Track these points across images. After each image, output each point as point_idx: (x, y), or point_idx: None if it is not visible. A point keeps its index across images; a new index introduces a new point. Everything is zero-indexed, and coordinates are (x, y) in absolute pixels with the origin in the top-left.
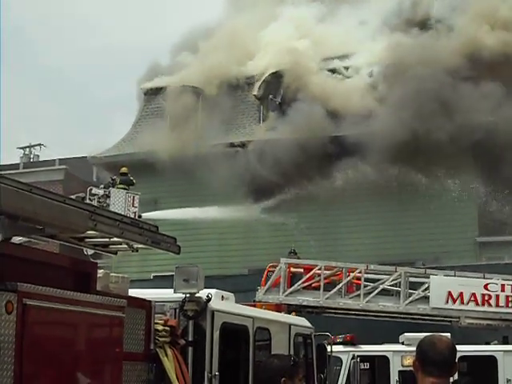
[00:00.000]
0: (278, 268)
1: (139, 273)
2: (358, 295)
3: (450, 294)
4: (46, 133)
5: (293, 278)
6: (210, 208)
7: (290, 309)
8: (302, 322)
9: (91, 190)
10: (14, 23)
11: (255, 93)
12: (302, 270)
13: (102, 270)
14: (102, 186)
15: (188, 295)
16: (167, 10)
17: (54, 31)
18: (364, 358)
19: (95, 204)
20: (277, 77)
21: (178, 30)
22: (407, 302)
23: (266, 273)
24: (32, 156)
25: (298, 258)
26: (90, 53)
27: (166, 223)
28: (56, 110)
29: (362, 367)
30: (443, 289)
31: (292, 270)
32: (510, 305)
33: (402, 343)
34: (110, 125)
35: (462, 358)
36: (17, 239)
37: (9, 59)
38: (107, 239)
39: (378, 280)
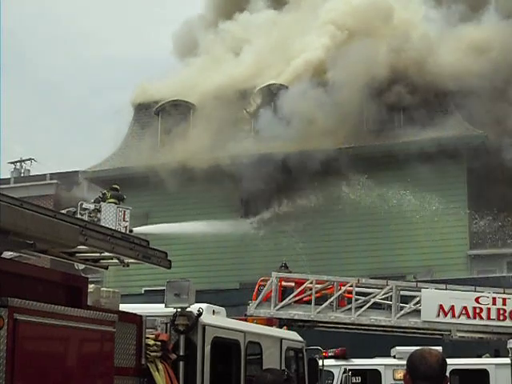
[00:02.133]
0: (269, 282)
1: (130, 287)
2: (350, 309)
3: (441, 307)
4: (37, 147)
5: (284, 292)
6: (201, 222)
7: (281, 323)
8: (294, 336)
9: (82, 204)
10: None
11: (247, 108)
12: (293, 284)
13: (92, 285)
14: (92, 200)
15: (179, 310)
16: (161, 23)
17: (43, 42)
18: (356, 372)
19: (86, 218)
20: (268, 91)
21: (170, 44)
22: (398, 315)
23: (257, 287)
24: (23, 170)
25: (290, 272)
26: (81, 65)
27: (157, 237)
28: (46, 122)
29: (354, 381)
30: (434, 302)
31: (283, 283)
32: (501, 318)
33: (394, 357)
34: (101, 138)
35: (454, 371)
36: (8, 254)
37: None
38: (98, 254)
39: (370, 294)
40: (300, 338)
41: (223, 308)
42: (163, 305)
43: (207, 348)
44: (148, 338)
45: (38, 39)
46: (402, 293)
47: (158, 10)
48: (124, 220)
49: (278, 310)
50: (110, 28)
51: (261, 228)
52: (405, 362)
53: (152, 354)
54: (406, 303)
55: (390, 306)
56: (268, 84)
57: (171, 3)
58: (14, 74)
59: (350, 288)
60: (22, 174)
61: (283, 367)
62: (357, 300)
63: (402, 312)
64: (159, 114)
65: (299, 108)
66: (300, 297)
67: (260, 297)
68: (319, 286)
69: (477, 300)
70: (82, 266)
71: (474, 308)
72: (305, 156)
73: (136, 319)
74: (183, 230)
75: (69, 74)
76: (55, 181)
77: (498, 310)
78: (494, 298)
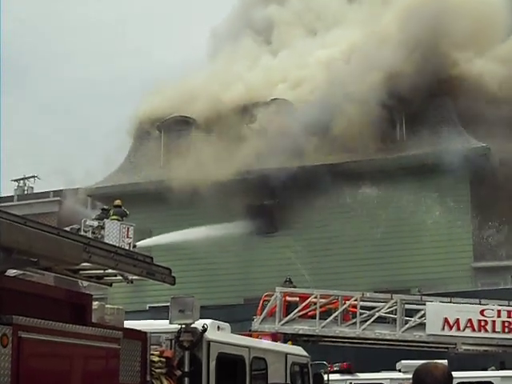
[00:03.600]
0: (273, 297)
1: (135, 304)
2: (354, 323)
3: (446, 320)
4: (39, 164)
5: (288, 307)
6: (203, 228)
7: (286, 338)
8: (299, 351)
9: (85, 221)
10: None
11: (249, 123)
12: (297, 299)
13: (97, 302)
14: (94, 217)
15: (184, 326)
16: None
17: (42, 56)
18: None
19: (90, 236)
20: (271, 106)
21: (174, 57)
22: (403, 329)
23: (261, 302)
24: (26, 188)
25: (294, 287)
26: (82, 81)
27: (161, 254)
28: (47, 140)
29: None
30: (439, 315)
31: (288, 298)
32: (506, 330)
33: (399, 370)
34: (103, 155)
35: None
36: (11, 272)
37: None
38: (102, 271)
39: (374, 308)
40: (305, 353)
41: (228, 324)
42: (168, 321)
43: (212, 364)
44: (153, 354)
45: (39, 53)
46: (406, 306)
47: (160, 24)
48: (128, 236)
49: (282, 324)
50: (109, 42)
51: (265, 243)
52: (410, 376)
53: (157, 370)
54: (411, 317)
55: (394, 320)
56: (271, 99)
57: (174, 17)
58: (16, 90)
59: (355, 302)
60: (26, 192)
61: (288, 382)
62: (361, 314)
63: (407, 326)
64: (161, 130)
65: (301, 122)
66: (304, 311)
67: (264, 312)
68: (324, 300)
69: (482, 313)
70: (86, 283)
71: (479, 321)
72: (307, 171)
73: (141, 336)
74: (185, 238)
75: (70, 89)
76: (58, 198)
77: (503, 322)
78: (498, 311)
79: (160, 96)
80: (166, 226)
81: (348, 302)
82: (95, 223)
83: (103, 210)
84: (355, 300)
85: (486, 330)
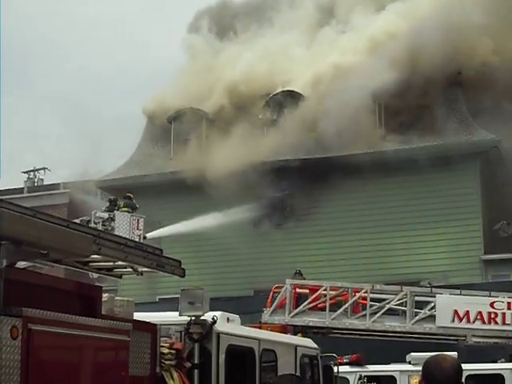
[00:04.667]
0: (283, 289)
1: (145, 295)
2: (364, 315)
3: (456, 312)
4: (50, 156)
5: (298, 299)
6: (212, 215)
7: (296, 330)
8: (308, 343)
9: (96, 213)
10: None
11: (261, 115)
12: (307, 291)
13: (106, 294)
14: (104, 209)
15: (193, 318)
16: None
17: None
18: (371, 378)
19: (100, 227)
20: (282, 97)
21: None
22: (413, 321)
23: (271, 294)
24: (36, 180)
25: (304, 279)
26: (92, 72)
27: (171, 246)
28: (58, 132)
29: None
30: (449, 307)
31: (297, 290)
32: None
33: (409, 363)
34: (114, 147)
35: (470, 376)
36: (21, 264)
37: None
38: (112, 263)
39: (384, 300)
40: (315, 345)
41: (237, 316)
42: (177, 313)
43: (222, 356)
44: (162, 346)
45: (47, 45)
46: (416, 298)
47: (169, 17)
48: (138, 228)
49: (292, 317)
50: (120, 35)
51: (275, 235)
52: (420, 368)
53: (167, 362)
54: (421, 309)
55: (404, 312)
56: (282, 90)
57: (182, 12)
58: (25, 82)
59: (365, 294)
60: (36, 184)
61: (298, 374)
62: (371, 306)
63: (417, 318)
64: (172, 123)
65: (312, 114)
66: (314, 303)
67: (274, 304)
68: (333, 292)
69: (492, 305)
70: (96, 275)
71: (489, 313)
72: (318, 162)
73: (150, 328)
74: (195, 227)
75: (80, 81)
76: (68, 190)
77: None
78: (508, 303)
79: (172, 88)
80: (176, 217)
81: (358, 294)
82: (105, 215)
83: (111, 201)
84: (365, 292)
85: (496, 323)
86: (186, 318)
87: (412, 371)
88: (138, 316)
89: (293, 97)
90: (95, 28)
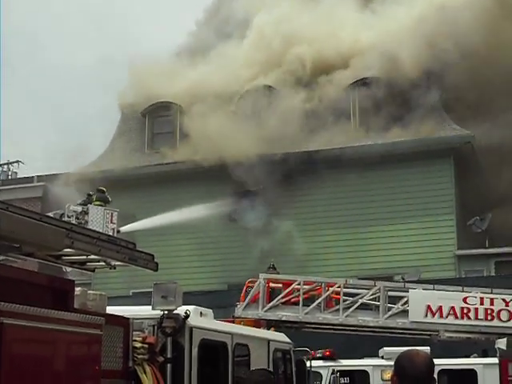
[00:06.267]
0: (256, 283)
1: (119, 289)
2: (337, 310)
3: (429, 307)
4: (23, 149)
5: (272, 294)
6: (187, 208)
7: (269, 324)
8: (281, 337)
9: (69, 206)
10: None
11: (235, 109)
12: (281, 286)
13: (79, 288)
14: (78, 202)
15: (166, 312)
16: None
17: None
18: (344, 373)
19: (74, 221)
20: (256, 92)
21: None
22: (386, 316)
23: (244, 288)
24: (10, 173)
25: (277, 273)
26: (68, 65)
27: (144, 240)
28: (31, 124)
29: (342, 382)
30: (422, 302)
31: (271, 285)
32: (489, 318)
33: (382, 357)
34: (88, 140)
35: (442, 371)
36: None
37: None
38: (85, 257)
39: (357, 294)
40: (288, 340)
41: (211, 310)
42: (150, 307)
43: (195, 350)
44: (135, 340)
45: (26, 36)
46: (389, 293)
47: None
48: (112, 222)
49: (265, 311)
50: (96, 27)
51: (249, 229)
52: (393, 363)
53: (139, 356)
54: (394, 304)
55: (377, 307)
56: (256, 85)
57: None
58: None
59: (338, 289)
60: (9, 177)
61: (270, 369)
62: (345, 301)
63: (390, 313)
64: (146, 116)
65: (288, 108)
66: (288, 298)
67: (248, 298)
68: (307, 287)
69: (464, 300)
70: (69, 269)
71: (462, 308)
72: (292, 157)
73: (123, 322)
74: (170, 220)
75: (55, 74)
76: (42, 183)
77: (486, 310)
78: (481, 298)
79: (146, 81)
80: (150, 211)
81: (331, 289)
82: (79, 208)
83: (88, 195)
84: (338, 287)
85: (469, 318)
86: (158, 312)
87: (385, 366)
88: (111, 310)
89: (267, 90)
90: (79, 21)
